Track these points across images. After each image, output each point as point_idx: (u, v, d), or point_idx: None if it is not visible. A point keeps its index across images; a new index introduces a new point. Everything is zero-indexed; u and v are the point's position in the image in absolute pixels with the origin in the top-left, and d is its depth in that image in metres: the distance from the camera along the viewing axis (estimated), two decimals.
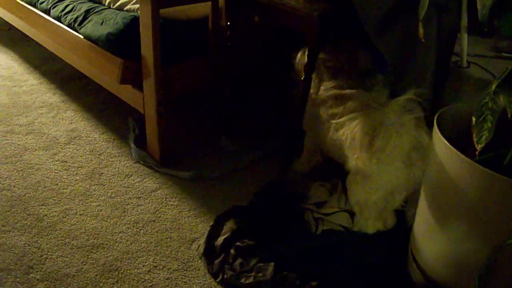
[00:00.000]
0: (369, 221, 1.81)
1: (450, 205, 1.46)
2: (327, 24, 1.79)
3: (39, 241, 1.83)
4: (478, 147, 1.24)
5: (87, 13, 2.43)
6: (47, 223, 1.92)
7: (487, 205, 1.34)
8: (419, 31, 1.39)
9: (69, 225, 1.92)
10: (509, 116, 1.19)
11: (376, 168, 1.69)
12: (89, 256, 1.78)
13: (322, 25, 1.76)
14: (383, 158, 1.66)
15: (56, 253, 1.78)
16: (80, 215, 1.97)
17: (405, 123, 1.63)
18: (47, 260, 1.76)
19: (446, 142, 1.40)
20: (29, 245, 1.81)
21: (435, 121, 1.50)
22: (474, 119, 1.26)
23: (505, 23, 1.22)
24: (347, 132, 1.77)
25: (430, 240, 1.56)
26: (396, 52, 1.87)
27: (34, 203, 2.02)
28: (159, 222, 1.94)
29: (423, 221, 1.60)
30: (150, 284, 1.68)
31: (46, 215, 1.96)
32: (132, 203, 2.04)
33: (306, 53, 1.90)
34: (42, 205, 2.02)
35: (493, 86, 1.25)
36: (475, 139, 1.24)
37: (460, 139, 1.54)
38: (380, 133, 1.64)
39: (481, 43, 3.85)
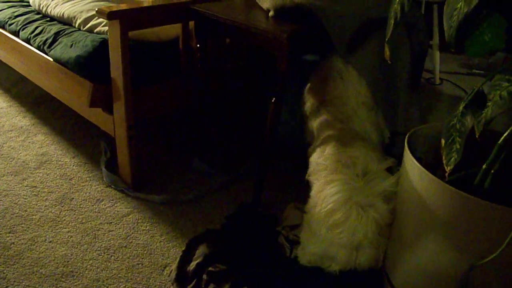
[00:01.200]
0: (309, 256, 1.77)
1: (423, 225, 1.45)
2: (297, 45, 1.78)
3: (5, 271, 1.77)
4: (447, 169, 1.23)
5: (56, 35, 2.40)
6: (14, 252, 1.87)
7: (459, 225, 1.34)
8: (385, 53, 1.39)
9: (37, 253, 1.87)
10: (476, 137, 1.19)
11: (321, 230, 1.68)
12: (58, 285, 1.73)
13: (292, 46, 1.75)
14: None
15: (24, 283, 1.73)
16: (50, 242, 1.92)
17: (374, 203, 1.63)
18: None
19: (417, 163, 1.40)
20: None
21: (406, 141, 1.49)
22: (443, 141, 1.26)
23: (470, 44, 1.23)
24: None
25: (404, 260, 1.54)
26: (371, 70, 1.87)
27: (0, 231, 1.96)
28: (130, 248, 1.90)
29: (396, 240, 1.59)
30: None
31: (13, 243, 1.91)
32: (103, 228, 2.00)
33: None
34: (10, 232, 1.96)
35: (460, 107, 1.25)
36: (444, 161, 1.23)
37: (432, 159, 1.54)
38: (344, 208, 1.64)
39: (453, 60, 3.91)
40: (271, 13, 1.93)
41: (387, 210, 1.62)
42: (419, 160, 1.42)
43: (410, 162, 1.45)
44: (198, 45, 2.17)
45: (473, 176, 1.40)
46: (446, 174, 1.26)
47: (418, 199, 1.43)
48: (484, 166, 1.35)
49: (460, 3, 1.21)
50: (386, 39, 1.36)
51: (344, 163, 1.72)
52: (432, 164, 1.48)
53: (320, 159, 1.78)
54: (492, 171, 1.33)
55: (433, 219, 1.40)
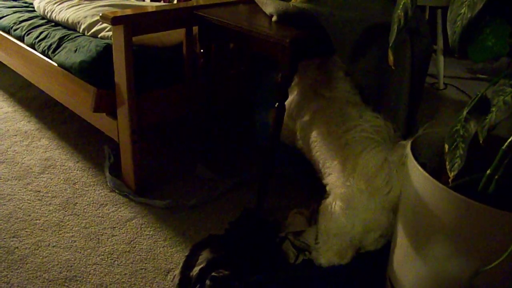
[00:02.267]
0: (327, 253, 1.77)
1: (427, 231, 1.44)
2: (299, 50, 1.78)
3: (8, 276, 1.78)
4: (451, 174, 1.23)
5: (61, 40, 2.41)
6: (18, 256, 1.87)
7: (463, 230, 1.33)
8: (389, 58, 1.39)
9: (41, 257, 1.87)
10: (481, 143, 1.18)
11: (362, 201, 1.67)
12: None
13: (294, 51, 1.75)
14: (373, 192, 1.65)
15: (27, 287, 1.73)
16: (53, 247, 1.93)
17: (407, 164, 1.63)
18: None
19: (420, 168, 1.39)
20: None
21: (409, 146, 1.49)
22: (446, 146, 1.25)
23: (474, 49, 1.22)
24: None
25: (409, 267, 1.54)
26: (371, 76, 1.87)
27: (4, 235, 1.97)
28: (134, 253, 1.90)
29: (400, 248, 1.58)
30: None
31: (17, 247, 1.91)
32: (106, 233, 2.00)
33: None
34: (13, 237, 1.96)
35: (464, 113, 1.25)
36: (448, 167, 1.23)
37: (436, 164, 1.53)
38: (383, 170, 1.64)
39: (457, 65, 3.90)
40: (274, 18, 1.93)
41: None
42: (422, 165, 1.41)
43: (413, 168, 1.44)
44: (201, 50, 2.17)
45: (477, 181, 1.40)
46: (450, 180, 1.25)
47: (421, 204, 1.42)
48: (488, 172, 1.34)
49: (464, 9, 1.21)
50: (390, 45, 1.36)
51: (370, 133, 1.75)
52: (435, 169, 1.48)
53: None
54: (496, 177, 1.32)
55: (437, 225, 1.39)
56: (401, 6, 1.35)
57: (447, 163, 1.24)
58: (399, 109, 1.92)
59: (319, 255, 1.78)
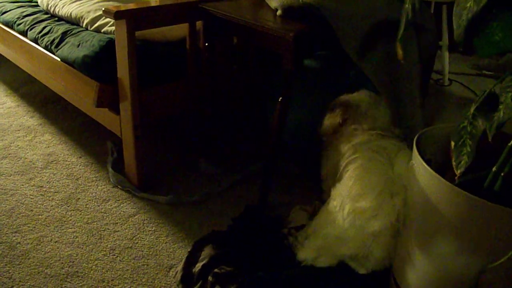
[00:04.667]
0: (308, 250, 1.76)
1: (432, 228, 1.43)
2: (303, 45, 1.76)
3: (10, 271, 1.77)
4: (458, 172, 1.21)
5: (64, 35, 2.40)
6: (20, 251, 1.86)
7: (469, 228, 1.32)
8: (398, 52, 1.37)
9: (43, 253, 1.86)
10: (489, 140, 1.17)
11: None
12: (63, 285, 1.72)
13: (297, 46, 1.74)
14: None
15: (29, 283, 1.72)
16: (55, 242, 1.92)
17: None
18: None
19: (426, 165, 1.38)
20: None
21: (414, 143, 1.47)
22: (453, 143, 1.24)
23: (480, 43, 1.21)
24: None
25: (414, 265, 1.52)
26: (380, 72, 1.86)
27: (7, 231, 1.96)
28: (136, 249, 1.89)
29: (405, 245, 1.57)
30: None
31: (19, 242, 1.90)
32: (108, 229, 1.99)
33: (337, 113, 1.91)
34: (16, 232, 1.96)
35: (472, 110, 1.23)
36: (454, 164, 1.21)
37: (441, 160, 1.52)
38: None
39: (462, 61, 3.87)
40: (279, 12, 1.91)
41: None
42: (428, 162, 1.40)
43: (419, 165, 1.43)
44: (206, 44, 2.15)
45: (483, 178, 1.38)
46: (456, 177, 1.24)
47: (427, 201, 1.41)
48: (494, 169, 1.32)
49: (470, 2, 1.19)
50: (398, 38, 1.34)
51: (376, 151, 1.74)
52: (441, 166, 1.46)
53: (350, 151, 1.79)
54: (502, 174, 1.31)
55: (442, 222, 1.38)
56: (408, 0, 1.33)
57: (453, 160, 1.22)
58: (406, 105, 1.90)
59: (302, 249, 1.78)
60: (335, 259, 1.70)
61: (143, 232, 1.98)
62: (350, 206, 1.65)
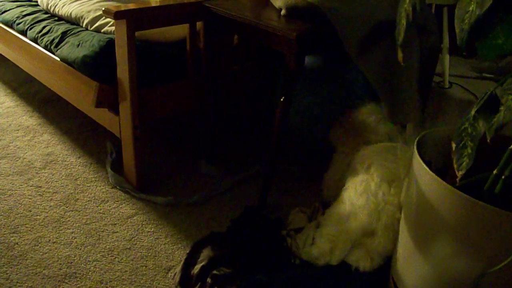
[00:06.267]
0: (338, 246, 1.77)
1: (432, 230, 1.42)
2: (306, 45, 1.76)
3: (8, 271, 1.76)
4: (459, 174, 1.20)
5: (64, 35, 2.39)
6: (18, 252, 1.85)
7: (469, 231, 1.31)
8: (398, 55, 1.37)
9: (41, 253, 1.85)
10: (488, 141, 1.16)
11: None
12: (61, 286, 1.71)
13: (301, 45, 1.73)
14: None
15: (26, 284, 1.71)
16: (53, 243, 1.91)
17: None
18: None
19: (426, 167, 1.37)
20: None
21: (415, 145, 1.47)
22: (454, 145, 1.23)
23: (483, 46, 1.20)
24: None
25: (413, 267, 1.52)
26: (379, 73, 1.85)
27: (4, 231, 1.95)
28: (134, 250, 1.89)
29: (404, 247, 1.57)
30: None
31: (17, 243, 1.90)
32: (107, 230, 1.99)
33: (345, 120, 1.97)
34: (14, 232, 1.95)
35: (472, 112, 1.22)
36: (455, 166, 1.21)
37: (441, 162, 1.51)
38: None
39: (463, 63, 3.87)
40: (283, 12, 1.91)
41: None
42: (428, 164, 1.39)
43: (419, 167, 1.42)
44: (207, 44, 2.15)
45: (483, 181, 1.38)
46: (457, 179, 1.23)
47: (426, 203, 1.40)
48: (494, 172, 1.32)
49: (472, 6, 1.19)
50: (399, 43, 1.34)
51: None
52: (441, 168, 1.46)
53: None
54: (503, 177, 1.30)
55: (442, 225, 1.37)
56: (408, 0, 1.33)
57: (454, 161, 1.22)
58: (412, 108, 1.90)
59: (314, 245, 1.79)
60: (349, 243, 1.73)
61: (142, 233, 1.97)
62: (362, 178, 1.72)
